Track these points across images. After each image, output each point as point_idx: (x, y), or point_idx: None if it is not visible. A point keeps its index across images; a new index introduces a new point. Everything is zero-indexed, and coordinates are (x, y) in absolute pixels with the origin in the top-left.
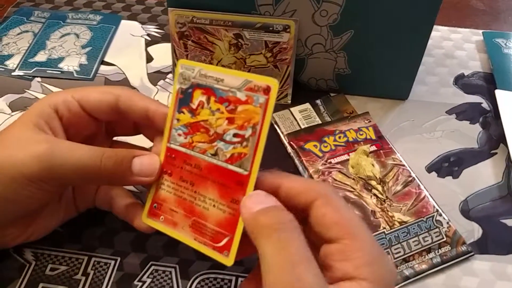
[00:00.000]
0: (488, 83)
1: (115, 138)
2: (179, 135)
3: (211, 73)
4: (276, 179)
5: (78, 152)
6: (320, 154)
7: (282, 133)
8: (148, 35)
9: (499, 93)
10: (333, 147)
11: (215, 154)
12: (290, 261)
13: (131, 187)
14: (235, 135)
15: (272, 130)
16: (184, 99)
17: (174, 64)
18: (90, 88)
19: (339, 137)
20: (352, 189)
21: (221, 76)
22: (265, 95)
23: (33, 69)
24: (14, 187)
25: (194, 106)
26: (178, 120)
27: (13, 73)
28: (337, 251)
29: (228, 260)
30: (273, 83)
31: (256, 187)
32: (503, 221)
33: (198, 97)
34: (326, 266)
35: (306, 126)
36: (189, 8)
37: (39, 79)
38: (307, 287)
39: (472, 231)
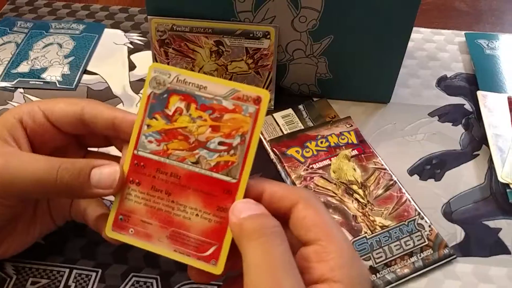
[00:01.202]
0: (470, 85)
1: (91, 148)
2: (150, 142)
3: (191, 79)
4: (260, 185)
5: (34, 165)
6: (302, 160)
7: (265, 139)
8: (131, 43)
9: (481, 95)
10: (315, 152)
11: (196, 162)
12: (271, 265)
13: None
14: (220, 143)
15: None
16: (157, 105)
17: None
18: (57, 99)
19: (321, 142)
20: (333, 194)
21: (203, 84)
22: (256, 105)
23: (16, 80)
24: None
25: (170, 112)
26: (149, 126)
27: None
28: (314, 252)
29: (217, 269)
30: (264, 94)
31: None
32: (485, 222)
33: (176, 103)
34: (303, 268)
35: (289, 131)
36: (169, 16)
37: (21, 90)
38: None
39: (454, 234)
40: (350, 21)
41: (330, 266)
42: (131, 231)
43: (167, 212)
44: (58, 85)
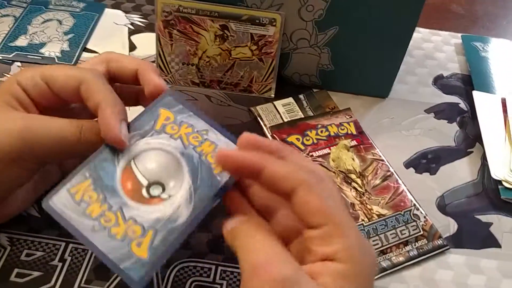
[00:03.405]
0: (465, 85)
1: None
2: None
3: None
4: (261, 160)
5: (56, 125)
6: (302, 147)
7: (265, 125)
8: (132, 24)
9: (476, 94)
10: (315, 141)
11: None
12: (261, 247)
13: None
14: None
15: (256, 122)
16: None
17: (159, 53)
18: (57, 70)
19: (321, 131)
20: None
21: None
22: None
23: (13, 53)
24: None
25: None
26: None
27: None
28: (318, 236)
29: None
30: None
31: (240, 164)
32: (478, 216)
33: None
34: (308, 249)
35: (289, 119)
36: None
37: (19, 63)
38: (277, 271)
39: (448, 226)
40: (356, 14)
41: (333, 249)
42: None
43: None
44: (57, 61)
